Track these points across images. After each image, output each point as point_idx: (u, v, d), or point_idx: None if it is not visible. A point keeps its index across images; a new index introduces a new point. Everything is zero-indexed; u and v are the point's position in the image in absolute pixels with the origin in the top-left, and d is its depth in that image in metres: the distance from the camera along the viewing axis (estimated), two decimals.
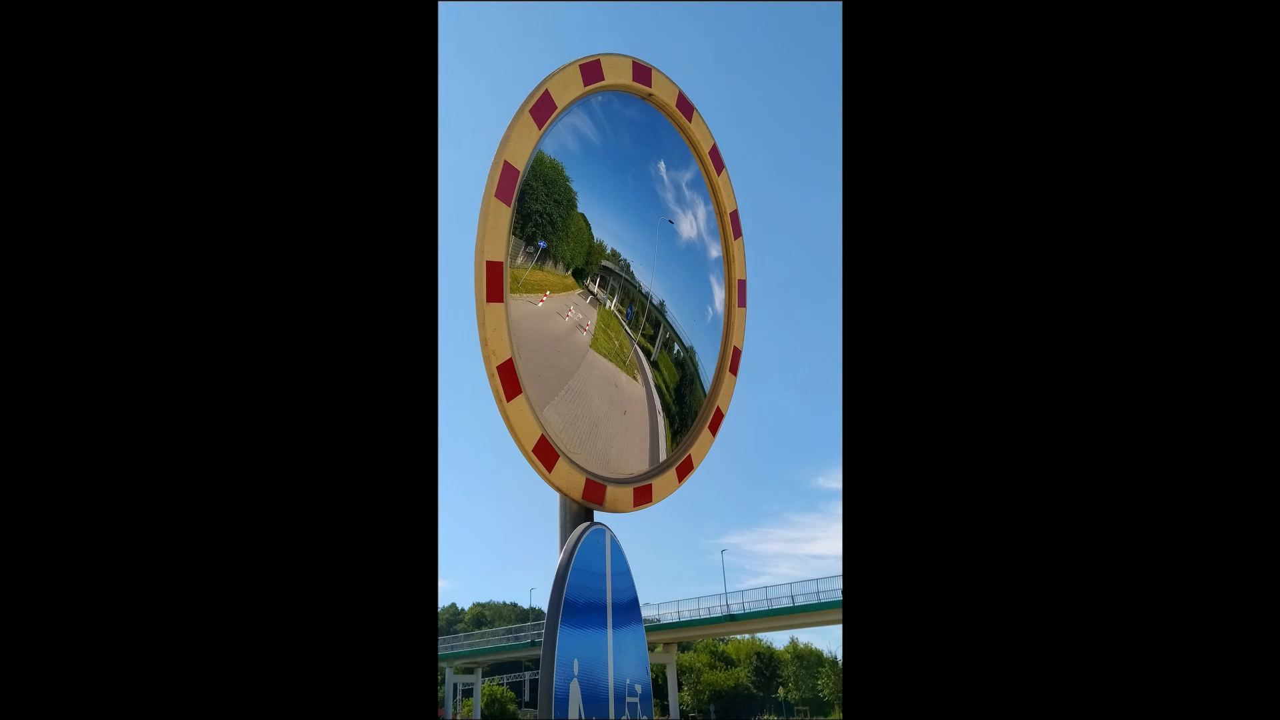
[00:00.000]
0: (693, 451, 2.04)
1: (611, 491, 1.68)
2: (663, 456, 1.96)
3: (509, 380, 1.35)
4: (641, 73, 1.80)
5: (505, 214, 1.34)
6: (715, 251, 2.14)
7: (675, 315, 1.95)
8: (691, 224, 2.01)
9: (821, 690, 50.42)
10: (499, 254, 1.31)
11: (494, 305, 1.30)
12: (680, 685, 47.45)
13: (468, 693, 45.68)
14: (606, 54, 1.68)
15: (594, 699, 1.35)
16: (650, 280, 1.84)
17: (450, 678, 43.04)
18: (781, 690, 53.84)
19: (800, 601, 32.37)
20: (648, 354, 1.86)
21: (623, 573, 1.53)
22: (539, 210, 1.46)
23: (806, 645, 55.49)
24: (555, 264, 1.55)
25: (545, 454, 1.45)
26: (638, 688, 1.51)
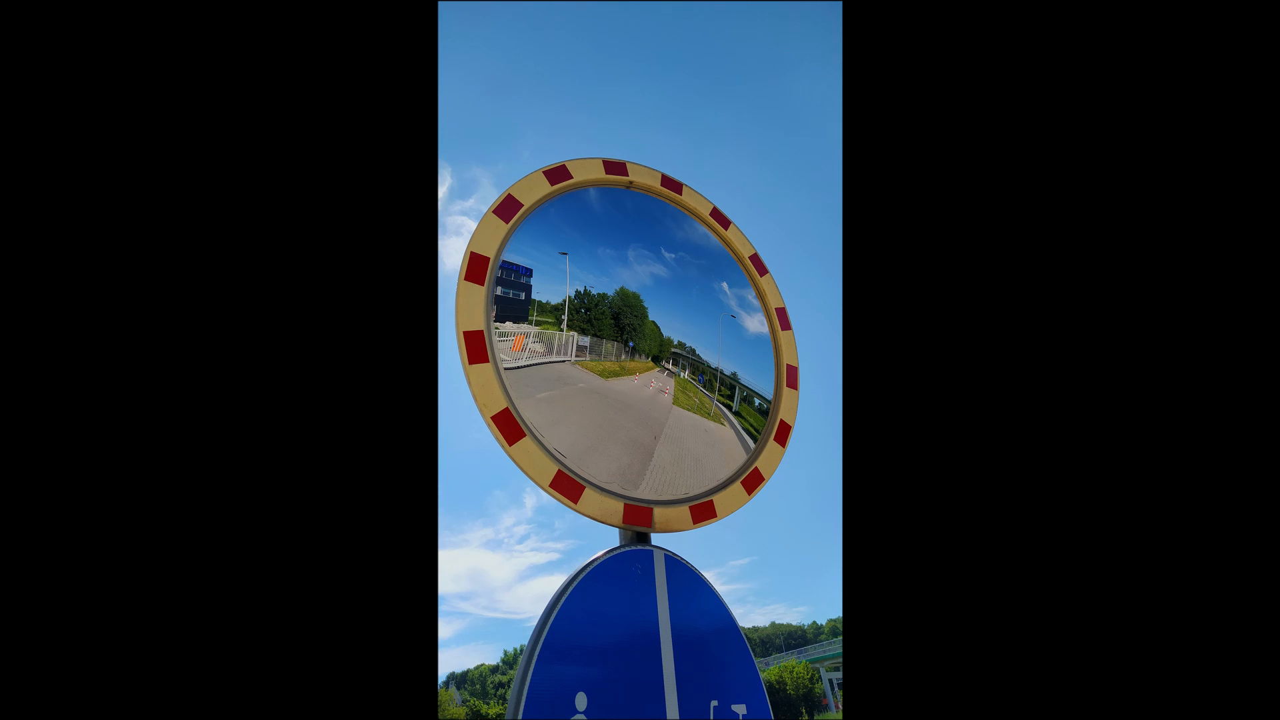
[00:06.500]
0: (759, 464, 1.99)
1: (661, 513, 1.72)
2: (727, 475, 1.95)
3: (510, 428, 1.54)
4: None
5: (481, 293, 1.61)
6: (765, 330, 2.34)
7: (749, 379, 2.28)
8: (749, 320, 2.35)
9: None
10: (477, 324, 1.57)
11: (479, 366, 1.54)
12: None
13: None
14: (575, 159, 1.99)
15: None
16: (718, 358, 2.22)
17: None
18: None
19: None
20: (728, 406, 2.18)
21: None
22: (628, 323, 1.94)
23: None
24: (640, 355, 1.97)
25: (568, 487, 1.58)
26: None
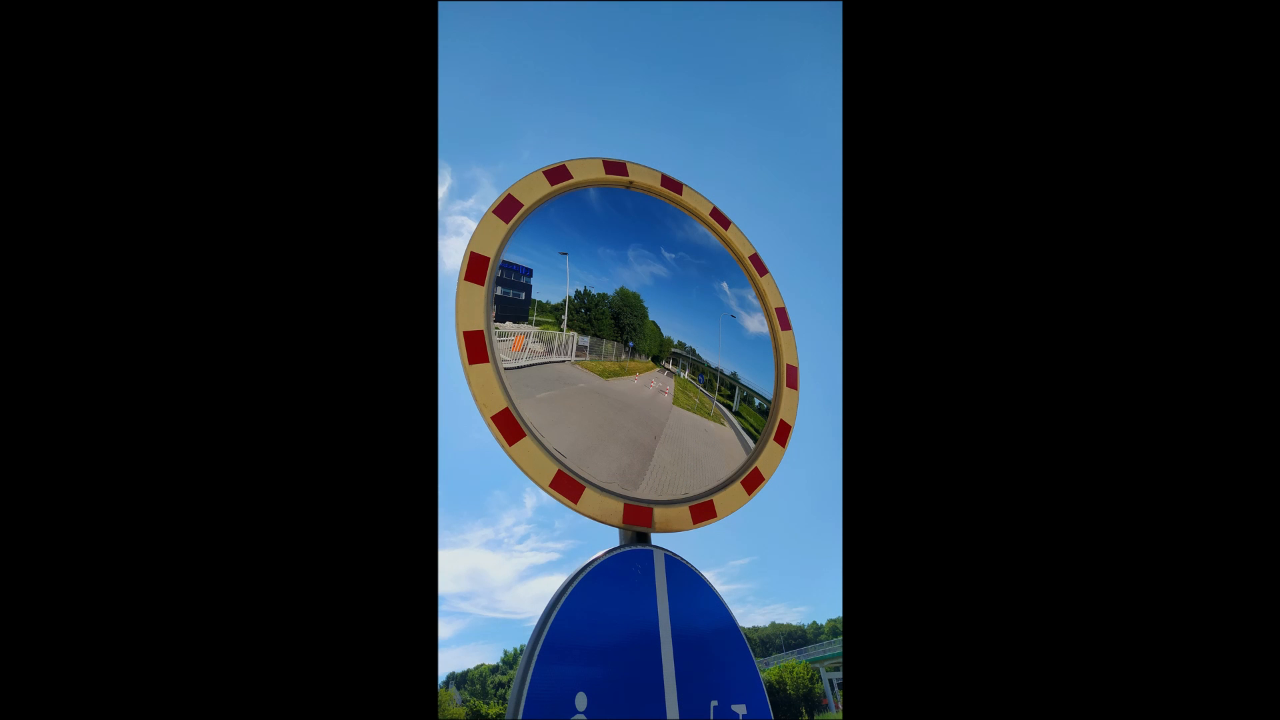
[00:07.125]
0: (759, 464, 1.99)
1: (661, 513, 1.72)
2: (727, 475, 1.95)
3: (510, 428, 1.54)
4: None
5: (481, 293, 1.61)
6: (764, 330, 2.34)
7: (749, 379, 2.28)
8: (749, 320, 2.34)
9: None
10: (478, 324, 1.57)
11: (479, 366, 1.54)
12: None
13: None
14: (575, 159, 1.99)
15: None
16: (718, 358, 2.22)
17: None
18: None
19: None
20: (728, 406, 2.18)
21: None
22: (628, 323, 1.95)
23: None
24: (640, 355, 1.98)
25: (568, 487, 1.58)
26: None
